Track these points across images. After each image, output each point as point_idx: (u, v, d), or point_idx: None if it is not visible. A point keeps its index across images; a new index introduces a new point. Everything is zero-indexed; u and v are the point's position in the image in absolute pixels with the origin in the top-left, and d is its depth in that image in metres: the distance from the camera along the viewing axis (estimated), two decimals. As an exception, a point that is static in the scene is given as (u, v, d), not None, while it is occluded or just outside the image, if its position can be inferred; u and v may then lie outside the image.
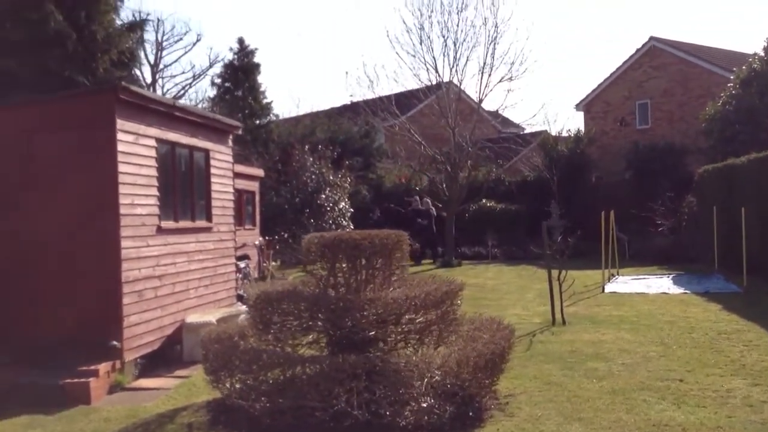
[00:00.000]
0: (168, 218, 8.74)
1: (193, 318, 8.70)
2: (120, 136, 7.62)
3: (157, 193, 8.41)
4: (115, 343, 7.50)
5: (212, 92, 26.95)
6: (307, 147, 22.64)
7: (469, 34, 26.71)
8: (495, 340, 6.40)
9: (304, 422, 5.81)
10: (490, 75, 24.21)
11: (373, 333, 6.25)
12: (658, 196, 21.00)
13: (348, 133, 28.01)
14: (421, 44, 26.00)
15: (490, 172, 26.80)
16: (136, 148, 7.95)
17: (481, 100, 26.12)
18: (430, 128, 27.05)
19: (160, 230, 8.45)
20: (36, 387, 6.96)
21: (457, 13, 24.27)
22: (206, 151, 9.85)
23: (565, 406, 6.43)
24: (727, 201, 15.65)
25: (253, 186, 15.86)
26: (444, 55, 25.13)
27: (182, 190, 9.24)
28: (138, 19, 13.20)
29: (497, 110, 31.63)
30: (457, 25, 23.95)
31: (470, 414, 6.15)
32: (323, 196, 21.66)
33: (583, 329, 10.05)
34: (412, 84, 27.46)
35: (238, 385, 6.11)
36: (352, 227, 22.92)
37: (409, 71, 30.28)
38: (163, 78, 31.73)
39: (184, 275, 9.03)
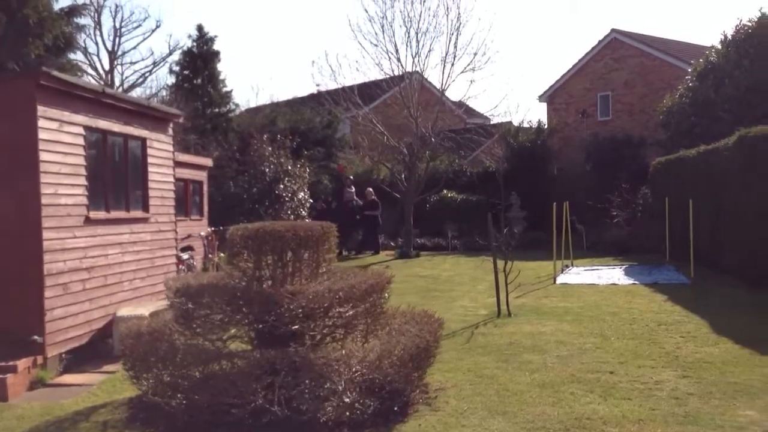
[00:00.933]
0: (98, 208, 8.48)
1: (125, 311, 8.47)
2: (41, 123, 7.35)
3: (86, 183, 8.16)
4: (36, 337, 7.26)
5: (171, 80, 26.44)
6: (265, 136, 22.34)
7: (431, 23, 26.66)
8: (421, 334, 6.29)
9: (222, 419, 5.65)
10: (452, 65, 24.11)
11: (296, 327, 6.09)
12: (616, 187, 21.09)
13: (310, 123, 27.71)
14: (383, 33, 25.79)
15: (452, 162, 26.76)
16: (61, 136, 7.69)
17: (443, 91, 26.05)
18: (393, 118, 26.91)
19: (89, 221, 8.19)
20: (-50, 383, 6.70)
21: (420, 2, 24.18)
22: (143, 140, 9.59)
23: (492, 399, 6.36)
24: (679, 193, 15.73)
25: (201, 175, 15.58)
26: (406, 44, 24.88)
27: (115, 179, 8.98)
28: (78, 2, 12.82)
29: (460, 100, 31.70)
30: (420, 15, 23.84)
31: (395, 409, 6.04)
32: (281, 186, 21.40)
33: (526, 321, 10.00)
34: (375, 74, 27.16)
35: (153, 382, 5.92)
36: (311, 217, 22.76)
37: (371, 61, 30.04)
38: (122, 65, 31.18)
39: (117, 267, 8.79)
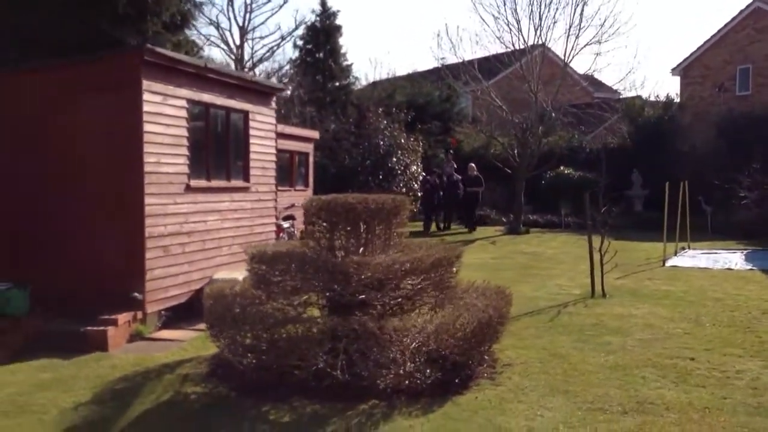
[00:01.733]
0: (199, 177, 9.02)
1: (221, 274, 9.00)
2: (146, 96, 7.90)
3: (188, 153, 8.69)
4: (136, 294, 7.89)
5: (295, 54, 27.29)
6: (381, 110, 22.66)
7: (555, -6, 25.84)
8: (486, 309, 6.31)
9: (287, 380, 5.96)
10: (577, 37, 23.33)
11: (363, 296, 6.28)
12: (749, 167, 19.80)
13: (428, 97, 27.80)
14: (504, 6, 25.36)
15: (571, 138, 26.04)
16: (164, 108, 8.23)
17: (566, 64, 25.33)
18: (513, 92, 26.48)
19: (190, 188, 8.74)
20: (62, 333, 7.44)
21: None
22: (245, 113, 10.06)
23: (557, 378, 6.30)
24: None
25: (307, 147, 16.06)
26: (529, 16, 24.33)
27: (217, 150, 9.50)
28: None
29: (588, 74, 30.64)
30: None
31: (456, 381, 6.12)
32: (394, 159, 21.68)
33: (619, 303, 9.72)
34: (495, 48, 26.82)
35: (228, 341, 6.31)
36: (421, 192, 22.93)
37: (492, 34, 29.57)
38: (252, 40, 32.39)
39: (215, 233, 9.33)
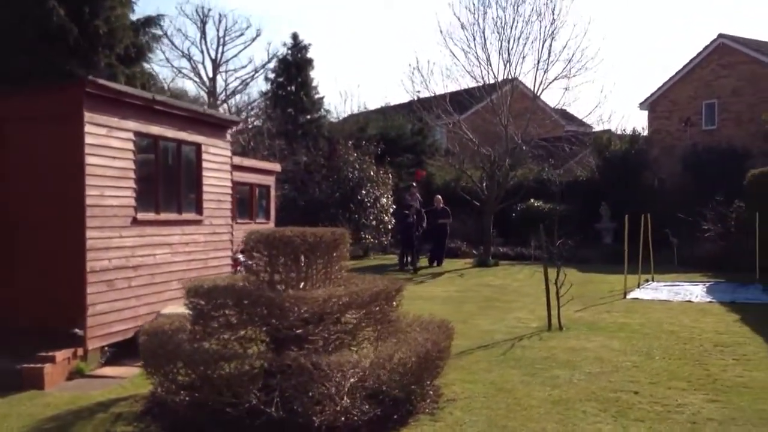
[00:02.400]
0: (147, 210, 8.91)
1: (169, 309, 8.85)
2: (89, 128, 7.82)
3: (134, 185, 8.59)
4: (77, 330, 7.72)
5: (266, 87, 27.37)
6: (350, 143, 22.72)
7: (524, 30, 26.21)
8: (424, 344, 6.23)
9: (221, 417, 5.82)
10: (545, 72, 23.63)
11: (300, 331, 6.18)
12: (713, 200, 20.01)
13: (400, 130, 27.95)
14: (474, 41, 25.62)
15: (540, 171, 26.22)
16: (109, 141, 8.15)
17: (534, 98, 25.62)
18: (483, 126, 26.71)
19: (136, 221, 8.62)
20: (-1, 370, 7.23)
21: (513, 9, 23.78)
22: (198, 145, 10.00)
23: (499, 413, 6.21)
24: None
25: (268, 180, 16.02)
26: (498, 51, 24.55)
27: (167, 182, 9.41)
28: (154, 15, 13.42)
29: (554, 107, 31.01)
30: (513, 21, 23.46)
31: (395, 417, 6.02)
32: (363, 191, 21.69)
33: (574, 336, 9.68)
34: (466, 81, 27.01)
35: (161, 378, 6.17)
36: (393, 222, 22.91)
37: (462, 68, 29.79)
38: (226, 72, 32.50)
39: (165, 266, 9.20)
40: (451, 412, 6.25)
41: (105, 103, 8.07)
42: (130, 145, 8.54)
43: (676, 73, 28.86)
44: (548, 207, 24.02)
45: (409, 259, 19.74)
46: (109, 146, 8.15)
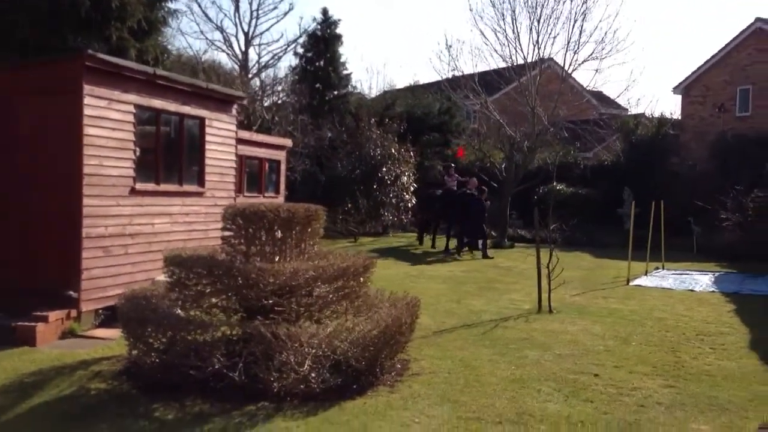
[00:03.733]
0: (147, 180, 9.27)
1: (163, 276, 9.20)
2: (88, 100, 8.18)
3: (134, 156, 8.95)
4: (71, 293, 8.14)
5: (295, 62, 27.63)
6: (373, 120, 22.88)
7: (555, 9, 25.98)
8: (385, 319, 6.46)
9: (188, 380, 6.16)
10: (576, 53, 23.50)
11: (270, 302, 6.47)
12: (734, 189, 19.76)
13: (427, 108, 27.96)
14: (503, 19, 25.52)
15: (566, 154, 26.12)
16: (108, 113, 8.50)
17: (563, 79, 25.45)
18: (512, 107, 26.67)
19: (135, 191, 9.00)
20: (-6, 327, 7.70)
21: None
22: (201, 119, 10.32)
23: (455, 388, 6.43)
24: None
25: (279, 155, 16.31)
26: (529, 31, 24.41)
27: (168, 155, 9.75)
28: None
29: (587, 89, 30.71)
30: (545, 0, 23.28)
31: (354, 387, 6.28)
32: (384, 169, 21.87)
33: (559, 319, 9.82)
34: (495, 61, 26.95)
35: (135, 341, 6.53)
36: (414, 201, 23.09)
37: (491, 48, 29.69)
38: (259, 46, 32.77)
39: (164, 236, 9.57)
40: (410, 386, 6.49)
41: (105, 77, 8.41)
42: (131, 118, 8.89)
43: (711, 57, 28.26)
44: (570, 191, 23.92)
45: (431, 237, 19.55)
46: (108, 118, 8.51)
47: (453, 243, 18.26)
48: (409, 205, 22.77)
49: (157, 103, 9.36)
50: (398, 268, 15.25)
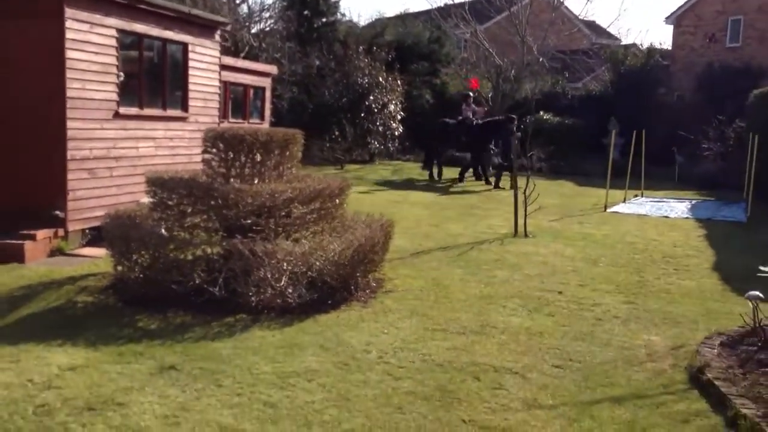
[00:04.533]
0: (130, 105, 9.41)
1: (147, 198, 9.45)
2: (69, 24, 8.24)
3: (117, 80, 9.07)
4: (58, 213, 8.39)
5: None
6: (361, 48, 22.76)
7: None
8: (359, 239, 6.75)
9: (170, 294, 6.48)
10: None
11: (249, 221, 6.74)
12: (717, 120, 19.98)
13: (417, 37, 27.73)
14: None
15: (555, 84, 26.15)
16: (90, 37, 8.57)
17: (555, 8, 25.31)
18: (502, 36, 26.55)
19: (118, 115, 9.15)
20: (-18, 246, 7.96)
21: None
22: (184, 45, 10.37)
23: (425, 304, 6.77)
24: (766, 128, 14.79)
25: (264, 82, 16.34)
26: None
27: (152, 79, 9.86)
28: None
29: (579, 18, 30.48)
30: None
31: (329, 302, 6.61)
32: (371, 98, 21.90)
33: (533, 242, 10.15)
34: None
35: (119, 257, 6.82)
36: (401, 130, 23.21)
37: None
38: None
39: (148, 159, 9.76)
40: (383, 302, 6.83)
41: (86, 1, 8.44)
42: (113, 42, 8.96)
43: (705, -14, 28.01)
44: (557, 120, 24.04)
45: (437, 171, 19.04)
46: (90, 42, 8.58)
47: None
48: (396, 133, 22.89)
49: (140, 27, 9.41)
50: (382, 194, 15.52)
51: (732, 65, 23.40)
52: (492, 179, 17.68)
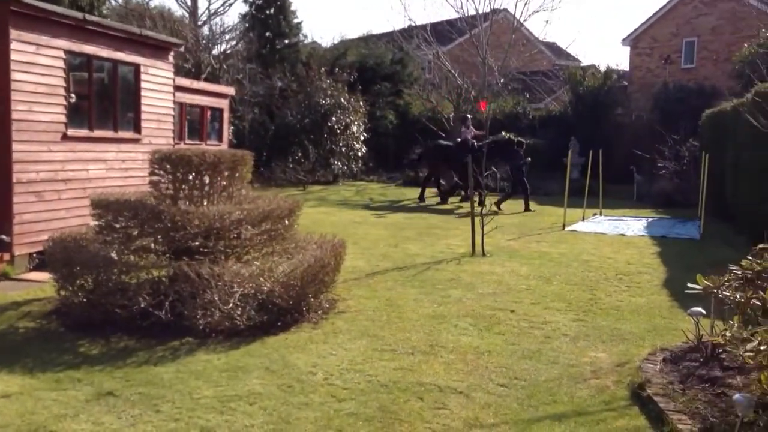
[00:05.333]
0: (80, 127, 9.28)
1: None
2: (15, 45, 8.12)
3: (65, 102, 8.94)
4: (3, 237, 8.21)
5: (245, 9, 27.25)
6: (323, 69, 22.84)
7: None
8: (308, 260, 6.71)
9: (115, 318, 6.35)
10: (527, 3, 23.69)
11: (196, 244, 6.66)
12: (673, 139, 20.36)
13: (379, 58, 27.93)
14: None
15: (515, 105, 26.46)
16: (37, 58, 8.45)
17: (514, 30, 25.64)
18: (464, 58, 26.85)
19: (66, 137, 9.01)
20: (-74, 270, 7.75)
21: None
22: (136, 66, 10.28)
23: (377, 324, 6.73)
24: (718, 147, 15.10)
25: (221, 103, 16.28)
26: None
27: (102, 101, 9.74)
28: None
29: (541, 40, 30.98)
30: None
31: (279, 324, 6.54)
32: (333, 118, 21.95)
33: (490, 261, 10.19)
34: (447, 12, 27.04)
35: (62, 282, 6.68)
36: (365, 150, 23.28)
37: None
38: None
39: (99, 181, 9.61)
40: (334, 323, 6.77)
41: (33, 22, 8.33)
42: (61, 63, 8.84)
43: (660, 9, 28.68)
44: (517, 140, 24.25)
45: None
46: (37, 63, 8.46)
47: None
48: (359, 153, 22.95)
49: (89, 49, 9.31)
50: (343, 215, 15.49)
51: (686, 86, 23.97)
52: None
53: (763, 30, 19.90)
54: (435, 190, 19.17)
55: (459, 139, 18.67)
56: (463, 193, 18.45)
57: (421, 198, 18.53)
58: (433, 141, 20.00)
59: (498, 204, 17.24)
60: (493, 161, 17.61)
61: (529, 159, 17.99)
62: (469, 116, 20.26)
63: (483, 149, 16.75)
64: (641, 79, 28.67)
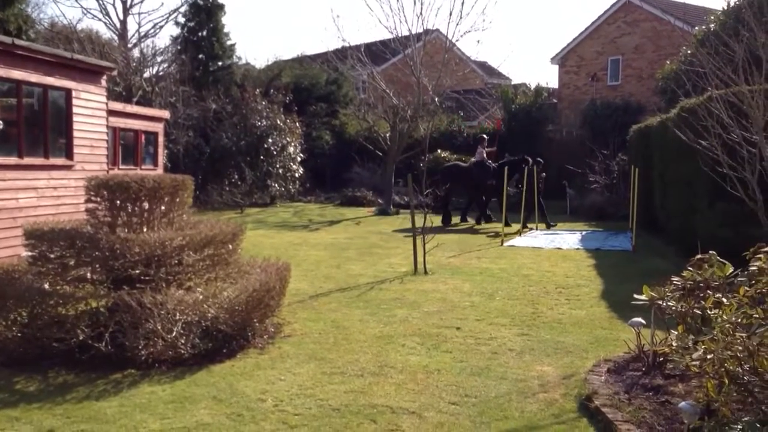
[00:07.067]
0: (8, 154, 8.97)
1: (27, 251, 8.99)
2: (-62, 72, 7.83)
3: (-7, 130, 8.65)
4: (-72, 271, 7.83)
5: (176, 32, 26.92)
6: (258, 91, 22.74)
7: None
8: (253, 284, 6.63)
9: (52, 352, 6.13)
10: (458, 24, 24.12)
11: (137, 272, 6.50)
12: (602, 154, 21.02)
13: (314, 79, 27.98)
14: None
15: (451, 123, 26.86)
16: (-37, 85, 8.17)
17: (447, 50, 26.00)
18: (399, 77, 27.10)
19: (-5, 166, 8.71)
20: None
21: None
22: (67, 91, 10.03)
23: (324, 347, 6.68)
24: (645, 161, 15.64)
25: (156, 127, 16.04)
26: (414, 2, 24.84)
27: (32, 127, 9.46)
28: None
29: (471, 59, 31.56)
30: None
31: (224, 350, 6.42)
32: (270, 140, 21.83)
33: (432, 279, 10.26)
34: (380, 33, 27.38)
35: (-4, 315, 6.42)
36: (301, 171, 23.20)
37: (377, 20, 30.08)
38: (139, 15, 31.59)
39: (30, 210, 9.31)
40: (280, 347, 6.70)
41: (-43, 47, 8.06)
42: (-12, 89, 8.56)
43: (585, 29, 29.70)
44: (454, 158, 24.62)
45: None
46: (-38, 89, 8.17)
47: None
48: (297, 174, 22.86)
49: (17, 74, 9.04)
50: (283, 237, 15.38)
51: (613, 102, 24.81)
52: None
53: (684, 47, 20.74)
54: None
55: (474, 159, 18.87)
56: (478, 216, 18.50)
57: (463, 219, 18.79)
58: (449, 162, 20.10)
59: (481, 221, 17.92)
60: (510, 181, 17.71)
61: (545, 174, 18.19)
62: (485, 136, 20.15)
63: (502, 169, 16.52)
64: (570, 96, 29.57)
